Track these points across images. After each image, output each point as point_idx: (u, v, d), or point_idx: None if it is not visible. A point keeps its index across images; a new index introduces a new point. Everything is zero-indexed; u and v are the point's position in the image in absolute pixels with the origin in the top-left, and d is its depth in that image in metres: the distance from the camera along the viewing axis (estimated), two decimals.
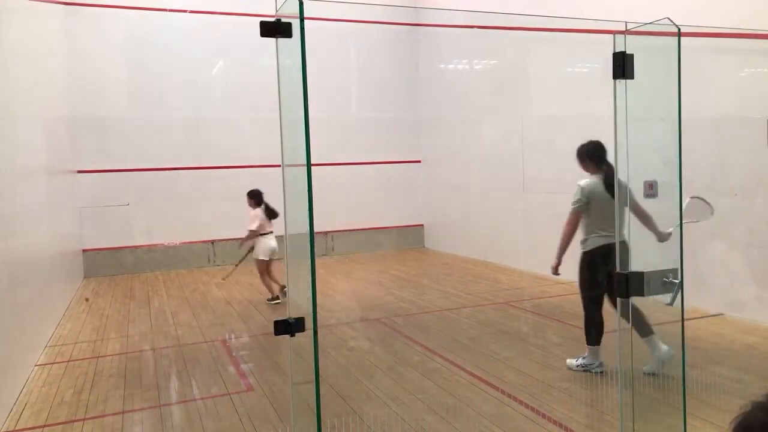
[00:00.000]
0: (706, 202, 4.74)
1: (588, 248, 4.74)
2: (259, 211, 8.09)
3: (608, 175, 4.67)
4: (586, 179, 4.76)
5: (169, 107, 11.28)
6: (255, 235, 8.08)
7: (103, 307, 8.25)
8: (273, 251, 8.10)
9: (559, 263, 4.77)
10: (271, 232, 8.14)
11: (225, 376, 5.17)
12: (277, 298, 8.04)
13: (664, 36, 2.61)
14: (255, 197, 8.17)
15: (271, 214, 8.08)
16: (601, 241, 4.64)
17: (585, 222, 4.75)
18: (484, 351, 5.59)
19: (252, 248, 8.26)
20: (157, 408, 4.51)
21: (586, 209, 4.71)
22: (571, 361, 4.95)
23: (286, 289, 8.11)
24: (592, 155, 4.80)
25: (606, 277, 4.74)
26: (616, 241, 4.15)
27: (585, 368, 4.84)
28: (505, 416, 4.06)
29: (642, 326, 4.65)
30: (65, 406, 4.57)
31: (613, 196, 4.43)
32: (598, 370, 4.82)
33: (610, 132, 2.68)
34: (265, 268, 8.10)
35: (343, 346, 5.91)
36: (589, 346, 4.83)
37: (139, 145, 11.13)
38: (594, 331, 4.80)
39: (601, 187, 4.66)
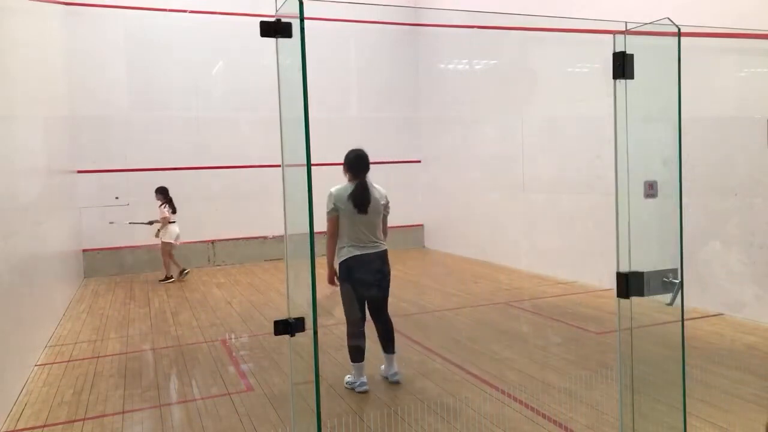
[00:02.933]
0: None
1: (342, 258, 4.50)
2: (166, 205, 9.86)
3: (356, 188, 4.48)
4: (338, 186, 4.53)
5: (169, 107, 11.29)
6: (166, 221, 9.91)
7: (103, 307, 8.25)
8: (178, 236, 9.94)
9: (332, 274, 4.53)
10: (175, 222, 9.97)
11: (225, 376, 5.17)
12: (171, 278, 9.93)
13: (664, 36, 2.61)
14: (165, 192, 9.94)
15: (174, 209, 10.00)
16: (355, 251, 4.46)
17: (339, 231, 4.52)
18: (484, 351, 5.59)
19: (159, 230, 10.00)
20: (157, 408, 4.51)
21: (339, 216, 4.48)
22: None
23: (187, 272, 10.13)
24: (351, 165, 4.54)
25: (366, 289, 4.55)
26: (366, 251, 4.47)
27: (349, 386, 4.62)
28: (505, 416, 4.06)
29: (390, 342, 4.73)
30: (65, 406, 4.57)
31: (357, 208, 4.41)
32: (362, 388, 4.54)
33: (610, 132, 2.68)
34: (169, 249, 9.92)
35: (343, 346, 5.91)
36: (353, 363, 4.57)
37: (139, 145, 11.13)
38: (356, 347, 4.56)
39: (345, 196, 4.46)
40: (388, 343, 4.75)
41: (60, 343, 6.44)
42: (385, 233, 4.67)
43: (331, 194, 4.46)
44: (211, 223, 11.58)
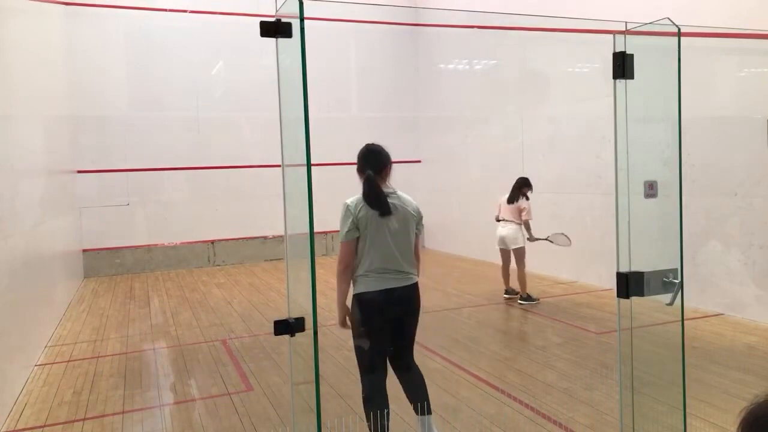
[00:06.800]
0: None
1: (357, 291, 3.35)
2: (503, 199, 7.67)
3: (363, 185, 3.34)
4: (356, 195, 3.36)
5: (169, 107, 11.30)
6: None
7: (103, 307, 8.25)
8: (501, 240, 7.64)
9: (342, 317, 3.40)
10: (503, 220, 7.64)
11: (225, 376, 5.17)
12: (528, 298, 7.45)
13: (664, 36, 2.61)
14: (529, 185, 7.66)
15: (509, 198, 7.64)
16: (376, 284, 3.28)
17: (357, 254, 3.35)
18: (484, 351, 5.59)
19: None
20: (157, 408, 4.51)
21: (359, 236, 3.31)
22: None
23: (510, 294, 7.77)
24: (359, 162, 3.45)
25: (388, 335, 3.38)
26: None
27: None
28: (505, 416, 4.06)
29: (422, 399, 3.51)
30: (65, 406, 4.57)
31: (381, 213, 3.27)
32: None
33: (610, 132, 2.68)
34: (505, 258, 7.72)
35: (343, 346, 5.91)
36: None
37: (139, 145, 11.14)
38: (374, 412, 3.32)
39: (363, 203, 3.30)
40: (420, 400, 3.52)
41: (60, 343, 6.44)
42: (417, 257, 3.47)
43: (347, 207, 3.33)
44: (211, 223, 11.58)
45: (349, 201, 3.35)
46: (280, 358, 5.52)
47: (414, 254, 3.45)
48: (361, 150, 3.52)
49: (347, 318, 3.43)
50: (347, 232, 3.28)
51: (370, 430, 3.37)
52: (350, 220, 3.28)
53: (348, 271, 3.33)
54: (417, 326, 3.54)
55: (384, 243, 3.30)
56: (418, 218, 3.45)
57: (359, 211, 3.29)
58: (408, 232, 3.38)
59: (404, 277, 3.35)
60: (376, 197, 3.30)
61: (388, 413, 3.40)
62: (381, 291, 3.29)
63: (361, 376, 3.45)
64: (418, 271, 3.49)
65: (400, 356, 3.52)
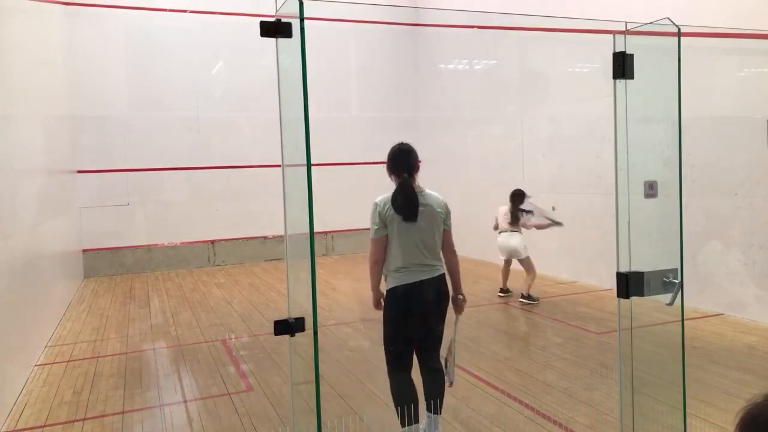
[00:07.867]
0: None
1: (389, 286, 3.52)
2: (503, 209, 7.76)
3: (396, 188, 3.48)
4: (385, 194, 3.53)
5: (169, 107, 11.30)
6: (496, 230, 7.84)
7: (103, 307, 8.25)
8: (507, 251, 7.71)
9: (377, 299, 3.61)
10: (505, 231, 7.71)
11: (225, 376, 5.17)
12: (528, 297, 7.55)
13: (664, 36, 2.61)
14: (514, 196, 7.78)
15: (512, 215, 7.70)
16: (404, 279, 3.44)
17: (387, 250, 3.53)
18: (484, 351, 5.59)
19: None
20: (157, 408, 4.51)
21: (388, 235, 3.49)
22: None
23: (505, 294, 7.97)
24: (390, 163, 3.61)
25: (416, 328, 3.52)
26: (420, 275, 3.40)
27: None
28: (505, 416, 4.06)
29: (437, 398, 3.63)
30: (65, 406, 4.57)
31: (402, 215, 3.41)
32: None
33: (610, 132, 2.68)
34: (505, 264, 7.91)
35: (343, 346, 5.91)
36: (403, 430, 3.46)
37: (139, 145, 11.14)
38: (403, 406, 3.46)
39: (390, 204, 3.47)
40: (434, 398, 3.63)
41: (60, 343, 6.44)
42: (451, 252, 3.64)
43: (375, 205, 3.50)
44: (211, 223, 11.58)
45: (378, 200, 3.52)
46: (280, 358, 5.52)
47: (448, 248, 3.62)
48: (392, 150, 3.66)
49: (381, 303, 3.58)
50: (376, 229, 3.48)
51: (400, 423, 3.48)
52: (378, 218, 3.47)
53: (379, 265, 3.52)
54: (444, 320, 3.61)
55: (410, 241, 3.45)
56: (446, 214, 3.59)
57: (386, 210, 3.46)
58: (433, 229, 3.51)
59: (430, 269, 3.49)
60: (403, 201, 3.45)
61: (416, 405, 3.50)
62: (409, 284, 3.44)
63: (389, 372, 3.58)
64: (456, 265, 3.64)
65: (427, 349, 3.64)
